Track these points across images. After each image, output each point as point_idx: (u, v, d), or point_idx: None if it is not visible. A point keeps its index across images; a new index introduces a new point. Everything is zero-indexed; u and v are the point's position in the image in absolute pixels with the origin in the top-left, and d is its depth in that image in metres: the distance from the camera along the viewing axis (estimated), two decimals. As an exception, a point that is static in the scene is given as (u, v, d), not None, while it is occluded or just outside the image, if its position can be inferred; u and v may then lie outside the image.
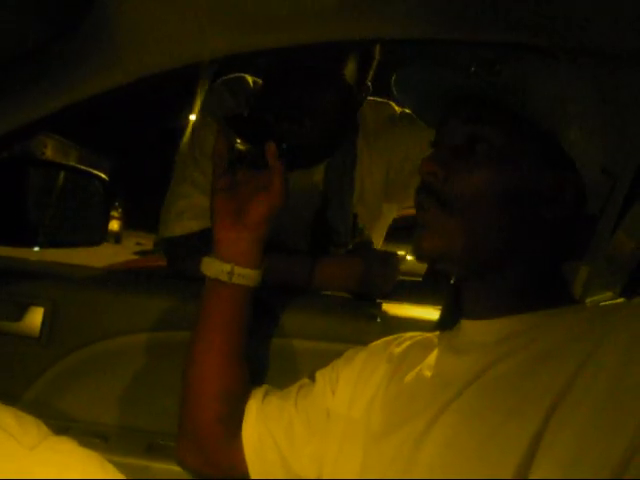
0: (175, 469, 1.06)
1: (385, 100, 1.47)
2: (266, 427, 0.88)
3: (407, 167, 1.39)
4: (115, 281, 1.21)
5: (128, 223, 15.88)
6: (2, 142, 1.03)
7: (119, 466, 0.89)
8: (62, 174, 1.43)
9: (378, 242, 1.53)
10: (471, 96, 0.75)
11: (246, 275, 0.88)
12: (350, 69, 1.25)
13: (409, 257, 1.21)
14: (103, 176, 1.52)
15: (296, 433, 0.87)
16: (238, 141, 0.90)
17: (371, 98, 1.41)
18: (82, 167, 1.51)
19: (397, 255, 1.25)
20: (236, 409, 0.90)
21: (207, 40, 0.91)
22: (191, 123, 1.39)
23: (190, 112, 1.50)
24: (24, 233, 1.43)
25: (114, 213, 13.61)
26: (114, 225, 14.36)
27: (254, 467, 0.88)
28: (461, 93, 0.75)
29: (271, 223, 0.91)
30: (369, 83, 1.35)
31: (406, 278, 1.49)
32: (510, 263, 0.74)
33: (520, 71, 0.76)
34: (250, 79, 1.40)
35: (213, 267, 0.89)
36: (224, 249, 0.89)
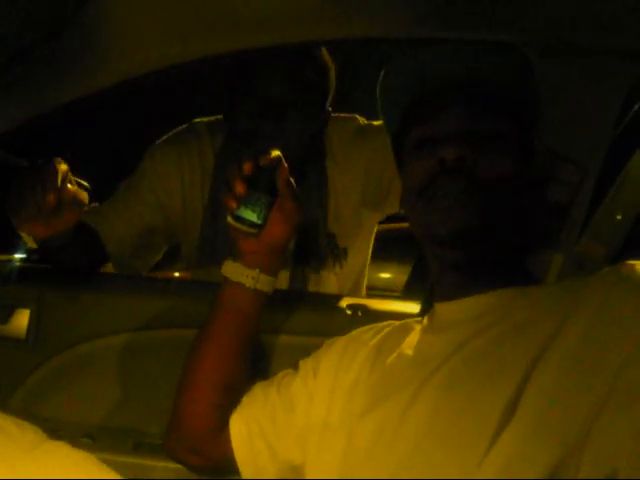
0: (162, 466, 1.07)
1: (349, 115, 1.47)
2: (252, 415, 0.90)
3: (387, 175, 1.36)
4: (99, 282, 1.22)
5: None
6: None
7: (108, 464, 0.90)
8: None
9: (366, 253, 1.52)
10: (462, 84, 0.81)
11: (267, 282, 0.95)
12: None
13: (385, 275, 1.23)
14: (85, 184, 1.52)
15: (279, 419, 0.89)
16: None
17: (334, 115, 1.41)
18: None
19: None
20: (231, 403, 0.92)
21: (189, 41, 0.94)
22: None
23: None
24: (9, 239, 1.43)
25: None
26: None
27: (241, 454, 0.89)
28: (456, 81, 0.81)
29: (291, 237, 0.97)
30: (329, 108, 1.37)
31: (383, 293, 1.48)
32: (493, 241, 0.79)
33: (517, 62, 0.84)
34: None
35: (237, 271, 0.94)
36: (250, 258, 0.94)
